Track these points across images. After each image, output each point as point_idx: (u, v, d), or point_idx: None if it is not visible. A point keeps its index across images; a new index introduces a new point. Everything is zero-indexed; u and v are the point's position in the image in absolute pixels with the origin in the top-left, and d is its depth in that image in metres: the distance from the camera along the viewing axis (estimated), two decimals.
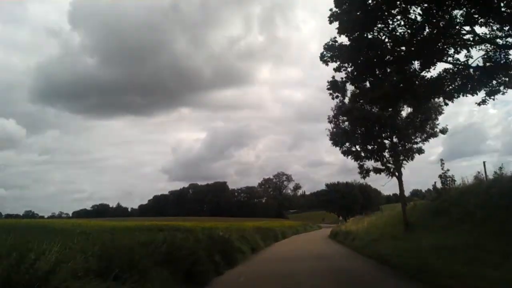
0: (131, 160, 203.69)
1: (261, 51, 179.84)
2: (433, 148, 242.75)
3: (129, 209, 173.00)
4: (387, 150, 21.97)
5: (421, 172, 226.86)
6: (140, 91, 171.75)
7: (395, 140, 21.87)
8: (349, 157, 22.68)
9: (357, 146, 22.58)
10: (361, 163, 22.38)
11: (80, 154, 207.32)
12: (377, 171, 22.05)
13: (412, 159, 22.09)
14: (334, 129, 22.87)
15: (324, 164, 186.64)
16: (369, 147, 22.20)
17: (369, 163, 22.42)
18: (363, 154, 22.32)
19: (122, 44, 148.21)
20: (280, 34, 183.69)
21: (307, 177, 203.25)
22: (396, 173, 21.31)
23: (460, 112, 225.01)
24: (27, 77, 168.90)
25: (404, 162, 21.88)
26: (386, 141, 22.10)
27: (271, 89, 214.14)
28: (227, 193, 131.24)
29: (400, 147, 21.81)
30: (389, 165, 21.64)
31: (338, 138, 22.73)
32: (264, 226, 37.98)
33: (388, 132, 21.89)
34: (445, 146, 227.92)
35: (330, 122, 22.96)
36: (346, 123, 22.69)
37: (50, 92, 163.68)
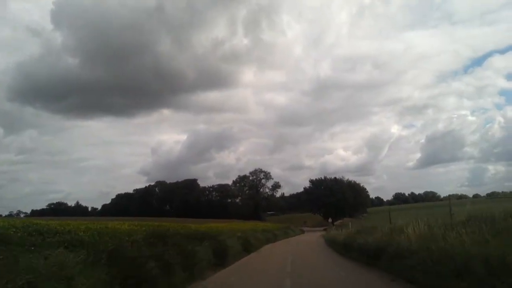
0: (110, 161, 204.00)
1: (246, 54, 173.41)
2: (411, 154, 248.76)
3: (90, 209, 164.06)
4: None
5: (398, 178, 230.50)
6: (122, 92, 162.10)
7: None
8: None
9: None
10: None
11: (58, 154, 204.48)
12: None
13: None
14: None
15: (304, 168, 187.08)
16: None
17: None
18: None
19: (105, 45, 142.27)
20: (265, 37, 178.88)
21: (287, 180, 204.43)
22: None
23: (439, 119, 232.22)
24: (6, 76, 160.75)
25: None
26: None
27: (255, 92, 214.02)
28: (197, 192, 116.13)
29: None
30: None
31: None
32: (227, 228, 23.84)
33: None
34: (423, 153, 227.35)
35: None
36: None
37: (29, 91, 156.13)
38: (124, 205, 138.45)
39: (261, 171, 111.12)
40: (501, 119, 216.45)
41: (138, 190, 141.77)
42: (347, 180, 76.86)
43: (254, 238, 27.26)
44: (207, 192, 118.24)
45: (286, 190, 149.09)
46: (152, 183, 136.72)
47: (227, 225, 40.62)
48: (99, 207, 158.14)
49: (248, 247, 23.21)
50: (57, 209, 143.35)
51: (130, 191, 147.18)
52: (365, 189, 79.75)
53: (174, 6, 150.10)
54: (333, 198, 72.07)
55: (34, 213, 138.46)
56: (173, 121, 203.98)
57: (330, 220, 67.20)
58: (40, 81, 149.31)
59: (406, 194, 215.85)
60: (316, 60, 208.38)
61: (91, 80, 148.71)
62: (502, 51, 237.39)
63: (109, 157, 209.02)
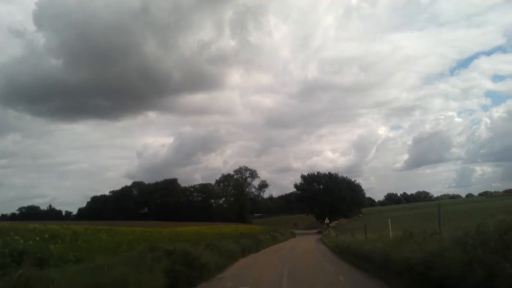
0: (95, 165, 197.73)
1: (232, 56, 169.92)
2: (399, 155, 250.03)
3: (63, 212, 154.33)
4: None
5: (386, 179, 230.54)
6: (106, 94, 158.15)
7: None
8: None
9: None
10: None
11: (42, 158, 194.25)
12: None
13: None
14: None
15: (292, 170, 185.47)
16: None
17: None
18: None
19: (89, 46, 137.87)
20: (252, 39, 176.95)
21: (275, 182, 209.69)
22: None
23: (426, 120, 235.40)
24: None
25: None
26: None
27: (242, 95, 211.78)
28: (177, 193, 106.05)
29: None
30: None
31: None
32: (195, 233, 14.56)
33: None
34: (411, 154, 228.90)
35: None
36: None
37: (11, 94, 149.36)
38: (99, 208, 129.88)
39: (246, 169, 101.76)
40: (487, 120, 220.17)
41: (115, 192, 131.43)
42: (342, 176, 68.13)
43: (221, 250, 17.61)
44: (188, 192, 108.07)
45: (274, 192, 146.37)
46: (129, 184, 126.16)
47: (199, 228, 32.09)
48: (62, 209, 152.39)
49: (202, 268, 13.32)
50: (29, 214, 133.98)
51: (107, 193, 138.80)
52: (361, 186, 71.17)
53: (160, 8, 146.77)
54: (329, 197, 63.00)
55: (3, 218, 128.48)
56: (159, 124, 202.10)
57: (327, 220, 58.05)
58: (23, 83, 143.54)
59: (398, 195, 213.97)
60: (303, 62, 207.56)
61: (75, 82, 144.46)
62: (488, 53, 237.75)
63: (94, 161, 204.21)
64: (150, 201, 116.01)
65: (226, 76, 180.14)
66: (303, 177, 70.49)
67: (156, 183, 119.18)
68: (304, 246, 33.54)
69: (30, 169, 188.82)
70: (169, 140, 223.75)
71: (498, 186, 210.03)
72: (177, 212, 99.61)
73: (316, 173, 67.75)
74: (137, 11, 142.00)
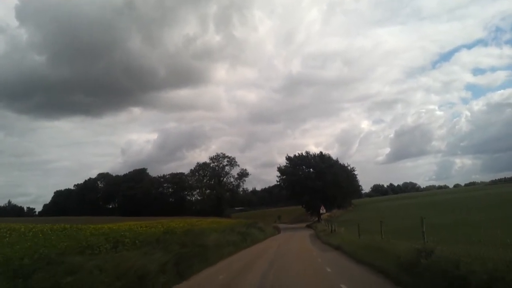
0: (79, 162, 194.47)
1: (218, 50, 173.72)
2: (381, 148, 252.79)
3: (25, 209, 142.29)
4: None
5: (369, 172, 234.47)
6: (90, 90, 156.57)
7: None
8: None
9: None
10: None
11: (25, 156, 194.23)
12: None
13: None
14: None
15: (276, 164, 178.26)
16: None
17: None
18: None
19: (72, 42, 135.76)
20: (237, 34, 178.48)
21: (259, 177, 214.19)
22: None
23: (407, 114, 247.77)
24: None
25: None
26: None
27: (227, 90, 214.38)
28: (146, 184, 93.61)
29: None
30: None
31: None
32: None
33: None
34: (392, 147, 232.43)
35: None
36: None
37: None
38: (63, 203, 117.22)
39: (224, 156, 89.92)
40: (468, 113, 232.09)
41: (79, 186, 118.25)
42: (335, 159, 56.61)
43: None
44: (157, 184, 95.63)
45: (258, 187, 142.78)
46: (93, 177, 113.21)
47: (140, 224, 21.92)
48: (24, 205, 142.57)
49: None
50: None
51: (71, 186, 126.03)
52: (354, 173, 60.29)
53: (144, 3, 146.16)
54: (321, 181, 51.54)
55: None
56: (143, 120, 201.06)
57: (322, 210, 46.78)
58: (5, 80, 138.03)
59: (385, 186, 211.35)
60: (288, 57, 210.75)
61: (59, 78, 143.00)
62: (469, 46, 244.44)
63: (78, 158, 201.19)
64: (117, 194, 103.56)
65: (211, 71, 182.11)
66: (288, 158, 57.86)
67: (124, 175, 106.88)
68: (297, 253, 20.45)
69: (14, 167, 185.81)
70: (153, 136, 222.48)
71: (477, 178, 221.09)
72: (144, 206, 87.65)
73: (305, 154, 56.02)
74: (121, 6, 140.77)
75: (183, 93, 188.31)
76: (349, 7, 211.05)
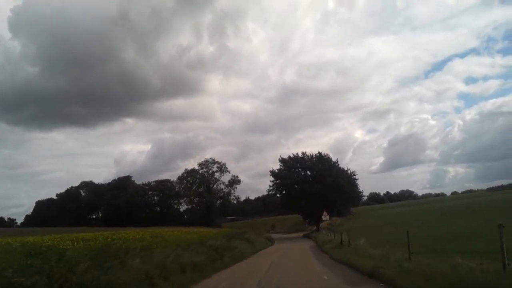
0: (73, 173, 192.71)
1: (212, 61, 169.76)
2: (375, 158, 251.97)
3: (6, 219, 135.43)
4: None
5: (364, 181, 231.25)
6: (83, 101, 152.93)
7: None
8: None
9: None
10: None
11: (18, 167, 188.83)
12: None
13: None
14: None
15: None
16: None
17: None
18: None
19: (66, 53, 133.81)
20: (231, 44, 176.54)
21: (253, 187, 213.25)
22: None
23: (401, 123, 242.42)
24: None
25: None
26: None
27: (221, 100, 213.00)
28: (130, 192, 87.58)
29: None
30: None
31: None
32: None
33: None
34: (386, 156, 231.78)
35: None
36: None
37: None
38: (43, 213, 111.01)
39: (213, 161, 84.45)
40: (460, 122, 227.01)
41: (61, 195, 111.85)
42: (334, 162, 51.21)
43: None
44: (141, 192, 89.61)
45: (252, 197, 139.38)
46: (76, 185, 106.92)
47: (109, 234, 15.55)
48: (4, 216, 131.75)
49: None
50: None
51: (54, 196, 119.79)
52: (355, 177, 54.96)
53: (139, 14, 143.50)
54: (320, 185, 45.76)
55: None
56: (137, 130, 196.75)
57: (325, 216, 41.17)
58: None
59: (382, 194, 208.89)
60: (281, 67, 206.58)
61: (52, 89, 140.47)
62: (462, 55, 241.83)
63: (71, 169, 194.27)
64: (101, 203, 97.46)
65: (205, 81, 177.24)
66: (282, 160, 51.81)
67: (108, 183, 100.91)
68: (302, 284, 12.57)
69: (7, 179, 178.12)
70: (147, 147, 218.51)
71: (471, 186, 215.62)
72: (128, 216, 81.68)
73: (301, 155, 50.20)
74: (115, 17, 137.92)
75: (177, 103, 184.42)
76: (343, 16, 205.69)
